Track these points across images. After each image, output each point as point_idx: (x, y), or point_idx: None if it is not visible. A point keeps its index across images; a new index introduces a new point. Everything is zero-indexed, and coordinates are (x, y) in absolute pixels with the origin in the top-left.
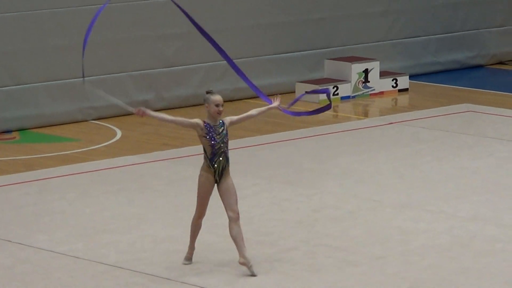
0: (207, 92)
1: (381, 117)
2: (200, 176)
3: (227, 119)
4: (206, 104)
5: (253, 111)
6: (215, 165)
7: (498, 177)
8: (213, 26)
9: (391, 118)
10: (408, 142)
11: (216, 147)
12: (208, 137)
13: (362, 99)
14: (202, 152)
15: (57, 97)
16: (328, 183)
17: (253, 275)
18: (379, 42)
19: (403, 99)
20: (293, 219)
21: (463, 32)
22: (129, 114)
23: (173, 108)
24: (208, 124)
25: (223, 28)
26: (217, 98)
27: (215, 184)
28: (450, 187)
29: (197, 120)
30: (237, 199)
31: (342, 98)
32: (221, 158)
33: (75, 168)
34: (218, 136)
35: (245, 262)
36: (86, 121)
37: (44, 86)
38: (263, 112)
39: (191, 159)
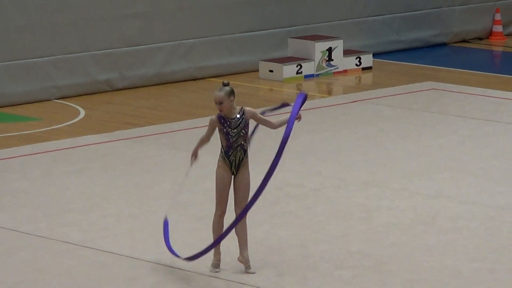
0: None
1: (345, 95)
2: (218, 167)
3: (250, 111)
4: None
5: (274, 121)
6: (231, 158)
7: (461, 155)
8: (177, 4)
9: (355, 96)
10: (372, 120)
11: (232, 141)
12: (224, 130)
13: (325, 77)
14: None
15: (18, 77)
16: (291, 161)
17: (249, 272)
18: (343, 21)
19: (367, 77)
20: None
21: (426, 11)
22: (92, 93)
23: (136, 87)
24: (221, 117)
25: (186, 6)
26: (215, 94)
27: (232, 176)
28: (413, 164)
29: (211, 117)
30: (248, 195)
31: (306, 76)
32: (237, 151)
33: (38, 147)
34: (234, 130)
35: (243, 261)
36: (49, 100)
37: (4, 66)
38: (283, 124)
39: (154, 138)
